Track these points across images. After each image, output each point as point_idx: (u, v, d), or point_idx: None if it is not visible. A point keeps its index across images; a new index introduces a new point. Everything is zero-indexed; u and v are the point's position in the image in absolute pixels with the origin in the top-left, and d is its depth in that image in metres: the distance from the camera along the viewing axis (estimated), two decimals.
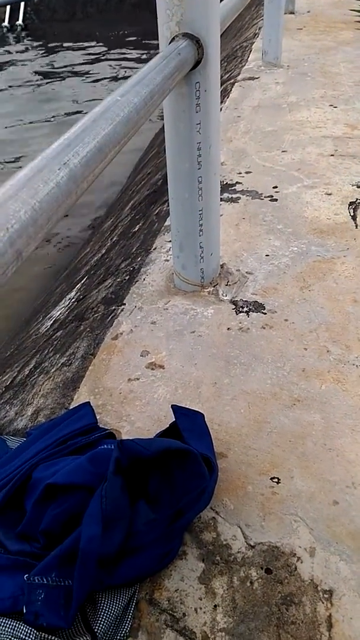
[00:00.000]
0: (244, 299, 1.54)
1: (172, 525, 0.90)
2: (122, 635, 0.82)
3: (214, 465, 0.99)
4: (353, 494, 1.01)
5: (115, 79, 7.25)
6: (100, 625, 0.81)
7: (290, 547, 0.93)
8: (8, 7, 10.86)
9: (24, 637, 0.76)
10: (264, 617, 0.85)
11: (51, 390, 1.32)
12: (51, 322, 1.86)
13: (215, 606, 0.87)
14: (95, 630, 0.81)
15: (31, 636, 0.76)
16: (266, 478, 1.04)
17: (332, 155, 2.36)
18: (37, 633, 0.76)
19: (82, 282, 2.08)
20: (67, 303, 1.94)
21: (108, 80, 7.25)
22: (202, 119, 1.31)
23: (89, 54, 8.77)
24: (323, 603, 0.86)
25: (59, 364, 1.41)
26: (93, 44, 9.36)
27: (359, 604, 0.86)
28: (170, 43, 1.22)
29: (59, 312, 1.91)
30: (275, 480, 1.04)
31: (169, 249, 1.80)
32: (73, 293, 2.01)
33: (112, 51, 8.83)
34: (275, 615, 0.85)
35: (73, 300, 1.92)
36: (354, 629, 0.83)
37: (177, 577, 0.90)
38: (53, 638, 0.77)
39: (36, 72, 7.93)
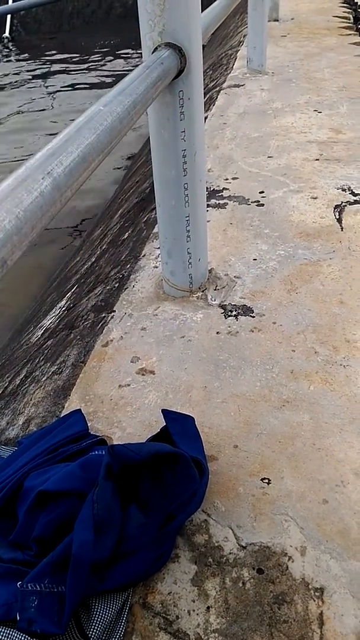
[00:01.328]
0: (233, 303, 1.56)
1: (164, 529, 0.91)
2: (116, 639, 0.83)
3: (204, 468, 1.00)
4: (342, 492, 1.02)
5: (100, 88, 7.29)
6: (94, 631, 0.82)
7: (282, 547, 0.94)
8: None
9: None
10: (257, 617, 0.86)
11: (42, 398, 1.32)
12: (42, 331, 1.87)
13: (208, 608, 0.87)
14: (89, 635, 0.81)
15: None
16: (257, 479, 1.05)
17: (317, 159, 2.39)
18: None
19: (72, 290, 2.09)
20: (58, 312, 1.95)
21: (94, 90, 7.29)
22: (187, 126, 1.33)
23: (76, 65, 8.82)
24: (314, 601, 0.87)
25: (50, 373, 1.42)
26: (79, 55, 9.42)
27: (350, 601, 0.87)
28: (153, 53, 1.24)
29: (49, 321, 1.92)
30: (266, 481, 1.05)
31: (158, 256, 1.81)
32: (63, 302, 2.02)
33: (98, 62, 8.89)
34: (268, 614, 0.86)
35: (63, 308, 1.93)
36: (345, 625, 0.84)
37: (170, 580, 0.91)
38: None
39: (24, 81, 7.96)
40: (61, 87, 7.61)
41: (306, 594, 0.88)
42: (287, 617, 0.85)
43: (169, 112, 1.31)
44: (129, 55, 8.96)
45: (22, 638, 0.77)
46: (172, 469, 0.94)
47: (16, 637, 0.78)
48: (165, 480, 0.94)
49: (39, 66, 8.95)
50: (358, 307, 1.49)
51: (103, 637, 0.82)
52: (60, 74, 8.29)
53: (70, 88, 7.51)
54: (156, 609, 0.88)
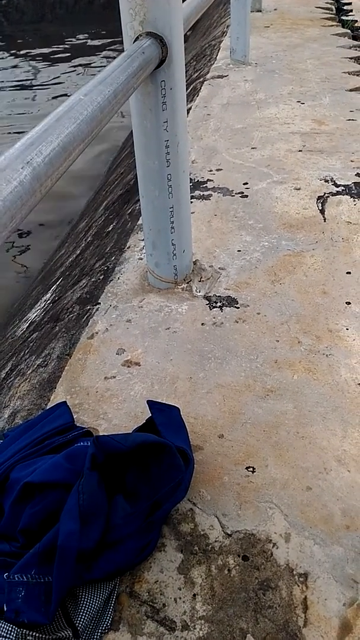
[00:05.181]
0: (217, 294, 1.56)
1: (150, 518, 0.92)
2: (103, 628, 0.84)
3: (190, 458, 1.00)
4: (325, 479, 1.03)
5: (83, 78, 7.21)
6: (81, 620, 0.82)
7: (266, 534, 0.95)
8: None
9: (4, 634, 0.77)
10: (242, 603, 0.87)
11: (27, 391, 1.32)
12: (27, 324, 1.86)
13: (194, 595, 0.88)
14: (77, 624, 0.82)
15: (12, 634, 0.77)
16: (242, 468, 1.06)
17: (300, 150, 2.39)
18: (18, 630, 0.77)
19: (58, 283, 2.08)
20: (43, 305, 1.94)
21: (77, 80, 7.22)
22: (169, 116, 1.33)
23: (59, 54, 8.71)
24: (299, 586, 0.89)
25: (35, 366, 1.41)
26: (62, 45, 9.30)
27: (333, 586, 0.88)
28: (134, 42, 1.23)
29: (34, 315, 1.91)
30: (251, 469, 1.06)
31: (143, 248, 1.81)
32: (48, 295, 2.01)
33: (81, 51, 8.79)
34: (253, 600, 0.87)
35: (48, 301, 1.92)
36: (329, 609, 0.86)
37: (157, 568, 0.92)
38: (34, 634, 0.78)
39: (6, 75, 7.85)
40: (44, 77, 7.52)
41: (290, 580, 0.89)
42: (271, 603, 0.87)
43: (151, 102, 1.30)
44: (112, 45, 8.87)
45: (10, 628, 0.78)
46: (157, 459, 0.95)
47: (3, 627, 0.78)
48: (150, 470, 0.95)
49: (21, 56, 8.82)
50: (340, 297, 1.51)
51: (90, 626, 0.83)
52: (42, 64, 8.19)
53: (52, 78, 7.42)
54: (143, 597, 0.88)
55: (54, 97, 6.53)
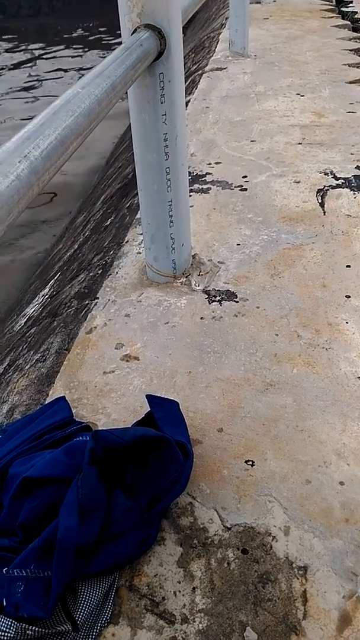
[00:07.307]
0: (217, 288, 1.56)
1: (149, 512, 0.92)
2: (103, 622, 0.84)
3: (189, 451, 1.00)
4: (325, 472, 1.03)
5: (81, 71, 7.17)
6: (81, 614, 0.82)
7: (266, 527, 0.95)
8: None
9: (4, 629, 0.77)
10: (242, 596, 0.87)
11: (26, 386, 1.32)
12: (25, 319, 1.85)
13: (194, 588, 0.88)
14: (76, 618, 0.82)
15: (11, 628, 0.77)
16: (241, 461, 1.06)
17: (299, 143, 2.38)
18: (18, 624, 0.77)
19: (56, 278, 2.07)
20: (41, 300, 1.93)
21: (75, 73, 7.17)
22: (168, 109, 1.32)
23: (56, 48, 8.66)
24: (298, 579, 0.89)
25: (34, 361, 1.41)
26: (59, 38, 9.24)
27: (333, 578, 0.89)
28: (132, 34, 1.22)
29: (32, 310, 1.91)
30: (250, 463, 1.06)
31: (141, 242, 1.80)
32: (46, 289, 2.01)
33: (78, 45, 8.73)
34: (252, 593, 0.87)
35: (46, 296, 1.91)
36: (328, 602, 0.86)
37: (156, 562, 0.92)
38: (33, 628, 0.78)
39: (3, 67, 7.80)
40: (42, 71, 7.47)
41: (290, 573, 0.90)
42: (271, 596, 0.87)
43: (150, 94, 1.29)
44: (110, 37, 8.81)
45: (9, 623, 0.78)
46: (156, 453, 0.95)
47: (3, 622, 0.78)
48: (150, 464, 0.95)
49: (19, 50, 8.76)
50: (340, 291, 1.51)
51: (90, 620, 0.83)
52: (40, 58, 8.13)
53: (50, 72, 7.38)
54: (142, 591, 0.89)
55: (48, 95, 6.49)
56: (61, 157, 0.76)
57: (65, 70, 7.40)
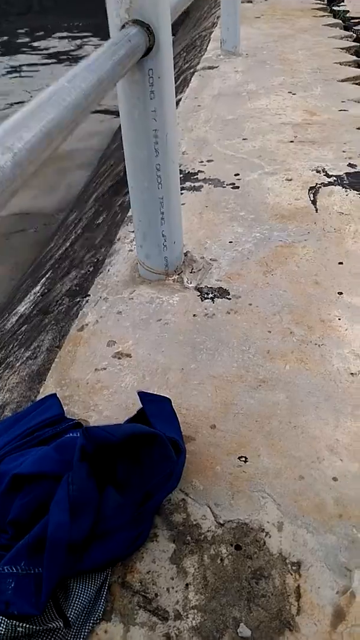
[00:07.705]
0: (209, 286, 1.55)
1: (141, 508, 0.91)
2: (95, 618, 0.83)
3: (181, 448, 1.00)
4: (318, 468, 1.03)
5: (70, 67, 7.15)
6: (73, 610, 0.82)
7: (259, 523, 0.95)
8: None
9: None
10: (235, 592, 0.86)
11: (17, 384, 1.31)
12: (16, 317, 1.84)
13: (187, 585, 0.88)
14: (68, 615, 0.81)
15: (1, 625, 0.76)
16: (234, 458, 1.06)
17: (291, 141, 2.38)
18: (8, 621, 0.76)
19: (47, 276, 2.06)
20: (32, 297, 1.92)
21: (64, 69, 7.15)
22: (157, 106, 1.31)
23: (46, 45, 8.63)
24: (292, 575, 0.88)
25: (24, 358, 1.40)
26: (50, 36, 9.21)
27: (327, 574, 0.88)
28: (120, 30, 1.22)
29: (24, 307, 1.89)
30: (243, 459, 1.06)
31: (133, 239, 1.79)
32: (38, 287, 2.00)
33: (68, 43, 8.71)
34: (246, 589, 0.87)
35: (38, 294, 1.90)
36: (322, 597, 0.85)
37: (149, 559, 0.91)
38: (24, 625, 0.77)
39: None
40: (31, 69, 7.44)
41: (283, 568, 0.89)
42: (265, 592, 0.86)
43: (139, 90, 1.29)
44: (101, 36, 8.79)
45: (0, 620, 0.77)
46: (148, 450, 0.94)
47: None
48: (142, 461, 0.94)
49: (8, 49, 8.72)
50: (332, 288, 1.50)
51: (82, 617, 0.82)
52: (30, 56, 8.10)
53: (39, 70, 7.35)
54: (135, 587, 0.88)
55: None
56: (46, 150, 0.75)
57: (55, 69, 7.36)
